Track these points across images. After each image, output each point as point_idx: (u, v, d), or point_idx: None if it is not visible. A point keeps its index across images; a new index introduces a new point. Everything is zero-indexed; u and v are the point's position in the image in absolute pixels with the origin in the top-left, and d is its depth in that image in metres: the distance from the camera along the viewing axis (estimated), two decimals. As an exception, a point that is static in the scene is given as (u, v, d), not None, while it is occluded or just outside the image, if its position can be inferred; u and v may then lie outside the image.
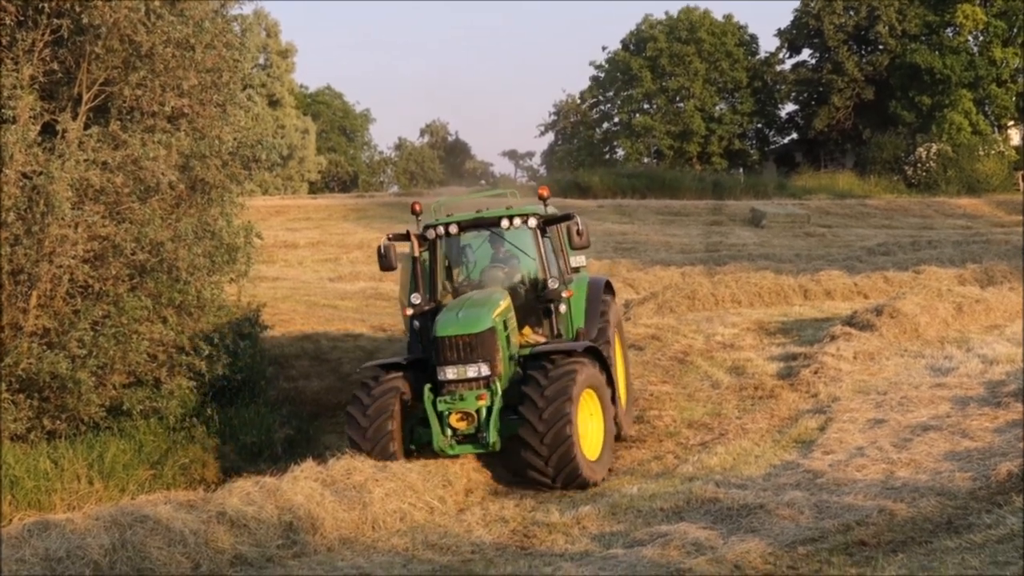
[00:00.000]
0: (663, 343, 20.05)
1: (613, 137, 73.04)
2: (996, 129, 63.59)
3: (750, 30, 72.57)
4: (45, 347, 14.37)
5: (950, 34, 62.57)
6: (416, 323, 14.30)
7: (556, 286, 14.10)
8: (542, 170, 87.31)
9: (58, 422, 14.87)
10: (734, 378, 17.72)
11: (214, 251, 16.29)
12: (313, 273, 33.70)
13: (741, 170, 70.16)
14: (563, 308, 14.24)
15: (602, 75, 73.40)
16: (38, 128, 14.65)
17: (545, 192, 14.77)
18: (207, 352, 16.14)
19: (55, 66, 15.01)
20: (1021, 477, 10.65)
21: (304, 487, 11.66)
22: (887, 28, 63.62)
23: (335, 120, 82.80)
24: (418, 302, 14.17)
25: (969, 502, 10.45)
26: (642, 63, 69.50)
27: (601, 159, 71.26)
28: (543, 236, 14.44)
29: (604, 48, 76.58)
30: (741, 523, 10.60)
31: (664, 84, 69.55)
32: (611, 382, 13.94)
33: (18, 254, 14.13)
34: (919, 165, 59.82)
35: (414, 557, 10.66)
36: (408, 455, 13.22)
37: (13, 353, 14.11)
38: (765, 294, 24.72)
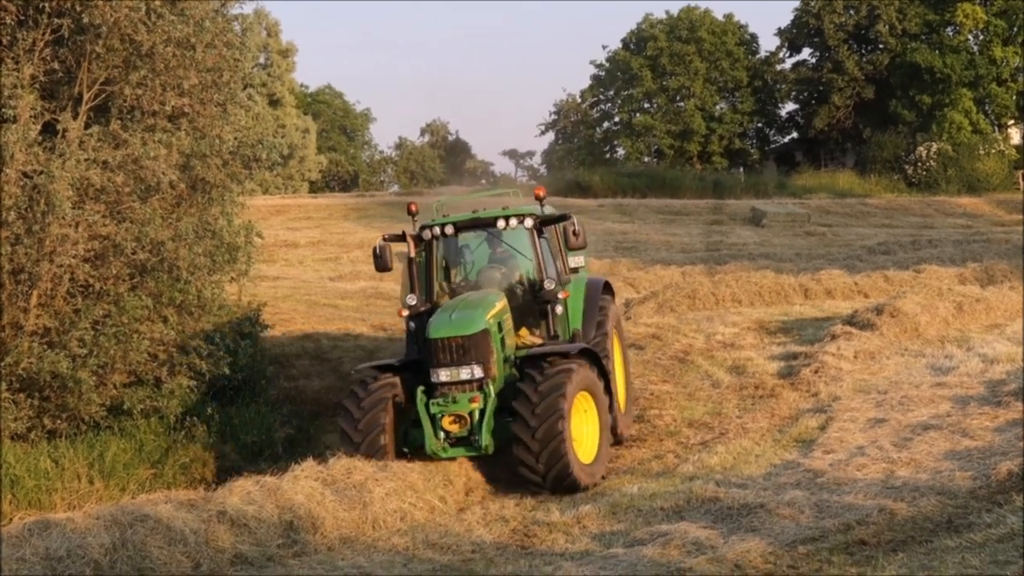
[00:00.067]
0: (663, 342, 20.06)
1: (613, 136, 73.02)
2: (996, 128, 63.58)
3: (750, 29, 72.63)
4: (46, 346, 14.38)
5: (950, 33, 62.54)
6: (412, 324, 14.19)
7: (552, 287, 13.98)
8: (542, 169, 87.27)
9: (59, 421, 14.87)
10: (734, 377, 17.73)
11: (215, 250, 16.29)
12: (313, 272, 33.70)
13: (741, 169, 70.13)
14: (559, 309, 14.11)
15: (603, 74, 73.38)
16: (39, 127, 14.65)
17: (541, 192, 14.68)
18: (207, 351, 16.15)
19: (56, 65, 15.02)
20: (1021, 476, 10.65)
21: (304, 486, 11.66)
22: (887, 27, 63.61)
23: (335, 119, 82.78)
24: (413, 303, 14.10)
25: (969, 501, 10.46)
26: (642, 62, 69.48)
27: (601, 158, 71.21)
28: (540, 236, 14.33)
29: (604, 47, 76.54)
30: (741, 522, 10.60)
31: (664, 83, 69.53)
32: (607, 384, 13.82)
33: (19, 253, 14.13)
34: (919, 164, 59.78)
35: (415, 556, 10.66)
36: (401, 457, 13.08)
37: (14, 352, 14.12)
38: (765, 293, 24.72)
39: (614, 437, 14.34)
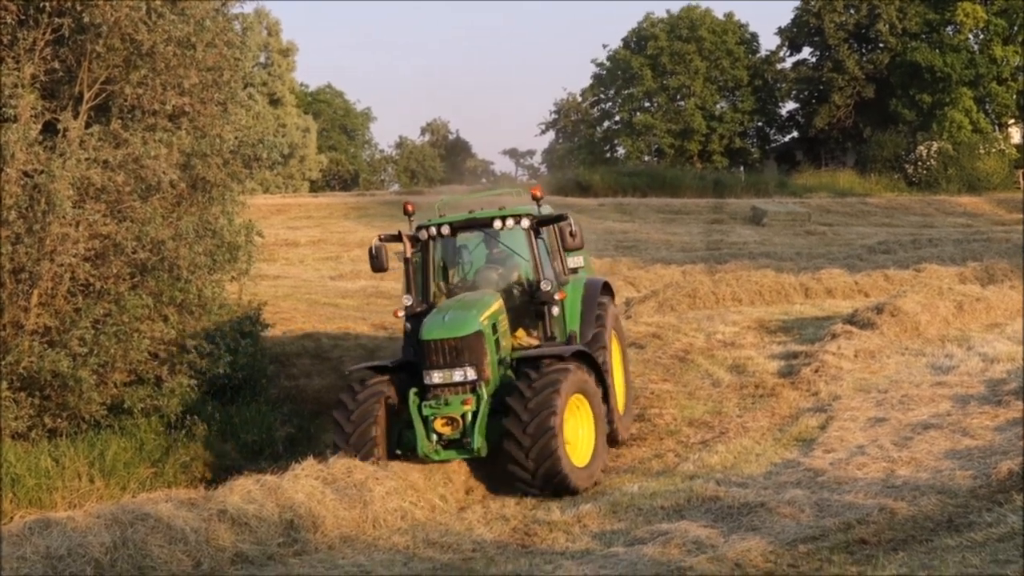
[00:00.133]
0: (664, 341, 20.06)
1: (614, 135, 72.99)
2: (996, 127, 63.57)
3: (751, 28, 72.70)
4: (46, 345, 14.39)
5: (950, 32, 62.52)
6: (408, 325, 14.08)
7: (549, 288, 13.86)
8: (543, 169, 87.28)
9: (59, 420, 14.88)
10: (735, 376, 17.73)
11: (215, 249, 16.30)
12: (314, 271, 33.70)
13: (742, 168, 70.10)
14: (556, 310, 14.00)
15: (603, 73, 73.37)
16: (39, 127, 14.67)
17: (538, 192, 14.57)
18: (208, 350, 16.17)
19: (56, 65, 15.03)
20: (1021, 475, 10.65)
21: (305, 485, 11.66)
22: (887, 26, 63.59)
23: (336, 119, 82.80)
24: (409, 303, 14.05)
25: (970, 500, 10.46)
26: (643, 61, 69.47)
27: (602, 157, 71.18)
28: (537, 237, 14.20)
29: (605, 46, 76.50)
30: (742, 521, 10.61)
31: (665, 82, 69.51)
32: (603, 386, 13.70)
33: (19, 252, 14.14)
34: (920, 163, 59.79)
35: (415, 555, 10.66)
36: (394, 459, 12.95)
37: (14, 351, 14.13)
38: (766, 292, 24.72)
39: (611, 439, 14.24)
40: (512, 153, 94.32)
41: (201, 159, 15.75)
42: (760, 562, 9.19)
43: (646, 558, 9.58)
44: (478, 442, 12.70)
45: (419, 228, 14.36)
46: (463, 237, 14.77)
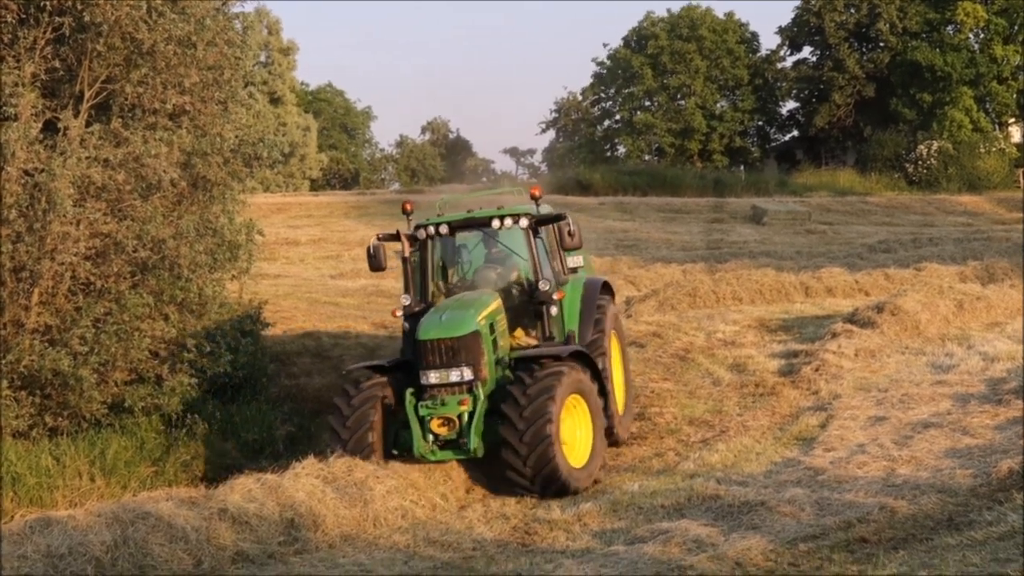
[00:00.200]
0: (664, 340, 20.07)
1: (614, 134, 72.98)
2: (997, 126, 63.58)
3: (751, 28, 72.64)
4: (47, 344, 14.39)
5: (951, 31, 62.55)
6: (407, 324, 14.02)
7: (547, 288, 13.81)
8: (543, 167, 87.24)
9: (60, 419, 14.88)
10: (735, 375, 17.74)
11: (216, 248, 16.29)
12: (314, 270, 33.71)
13: (742, 167, 70.12)
14: (554, 310, 13.94)
15: (604, 72, 73.37)
16: (40, 125, 14.66)
17: (537, 192, 14.47)
18: (208, 349, 16.17)
19: (57, 64, 15.02)
20: (1022, 474, 10.66)
21: (305, 484, 11.67)
22: (888, 25, 63.60)
23: (336, 117, 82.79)
24: (407, 303, 14.00)
25: (970, 499, 10.47)
26: (643, 60, 69.47)
27: (602, 156, 71.18)
28: (535, 236, 14.15)
29: (605, 45, 76.51)
30: (742, 520, 10.61)
31: (665, 81, 69.51)
32: (601, 386, 13.63)
33: (20, 251, 14.14)
34: (920, 162, 59.79)
35: (415, 554, 10.67)
36: (390, 459, 12.88)
37: (15, 350, 14.13)
38: (766, 291, 24.74)
39: (611, 439, 14.21)
40: (513, 152, 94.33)
41: (202, 158, 15.75)
42: (760, 561, 9.19)
43: (646, 557, 9.58)
44: (474, 443, 12.65)
45: (417, 227, 14.31)
46: (462, 236, 14.72)
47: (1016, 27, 61.52)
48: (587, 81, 76.29)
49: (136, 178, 15.01)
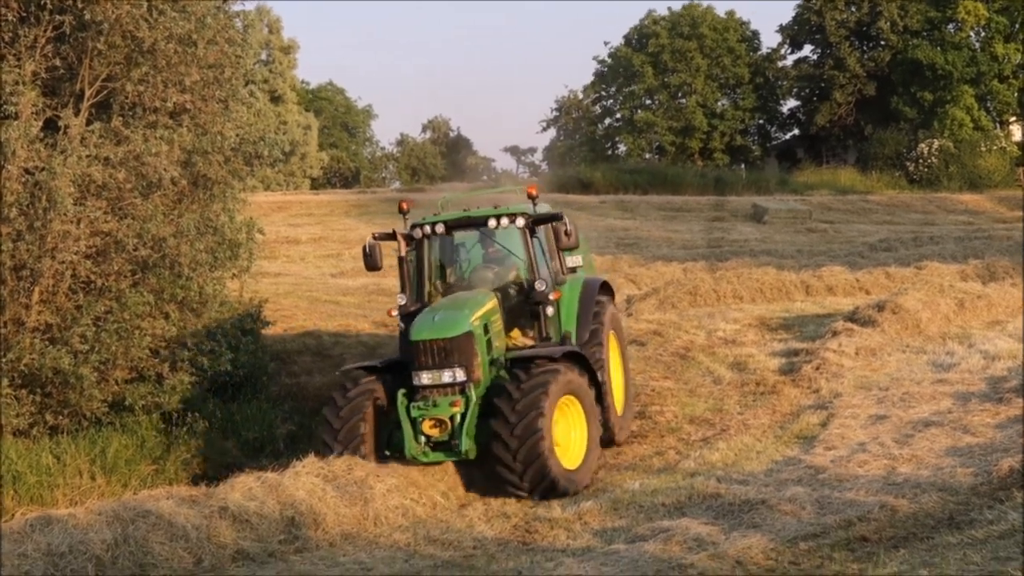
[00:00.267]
0: (665, 339, 20.06)
1: (615, 133, 72.92)
2: (998, 125, 63.48)
3: (752, 26, 72.62)
4: (47, 342, 14.40)
5: (952, 30, 62.45)
6: (403, 324, 13.91)
7: (543, 288, 13.71)
8: (544, 166, 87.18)
9: (60, 417, 14.89)
10: (736, 374, 17.74)
11: (216, 247, 16.30)
12: (315, 269, 33.72)
13: (743, 166, 70.05)
14: (550, 311, 13.83)
15: (605, 70, 73.35)
16: (40, 124, 14.67)
17: (534, 191, 14.34)
18: (209, 348, 16.18)
19: (57, 62, 15.02)
20: (1022, 473, 10.66)
21: (306, 482, 11.67)
22: (889, 24, 63.54)
23: (337, 116, 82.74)
24: (403, 302, 13.94)
25: (970, 498, 10.47)
26: (644, 59, 69.44)
27: (603, 155, 71.12)
28: (532, 236, 14.03)
29: (607, 43, 76.49)
30: (743, 519, 10.61)
31: (666, 80, 69.45)
32: (597, 387, 13.53)
33: (20, 250, 14.15)
34: (921, 161, 59.72)
35: (416, 552, 10.67)
36: (384, 460, 12.80)
37: (16, 348, 14.14)
38: (767, 290, 24.73)
39: (609, 440, 14.14)
40: (513, 150, 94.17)
41: (202, 156, 15.75)
42: (761, 559, 9.19)
43: (647, 555, 9.58)
44: (466, 444, 12.53)
45: (413, 227, 14.23)
46: (461, 236, 14.64)
47: (1017, 25, 61.43)
48: (588, 79, 76.30)
49: (137, 176, 15.01)
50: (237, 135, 16.53)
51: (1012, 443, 12.36)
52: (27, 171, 14.27)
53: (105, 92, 15.48)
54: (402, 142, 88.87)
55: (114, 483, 14.25)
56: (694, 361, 18.62)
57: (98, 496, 13.47)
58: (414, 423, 12.68)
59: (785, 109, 72.98)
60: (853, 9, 65.45)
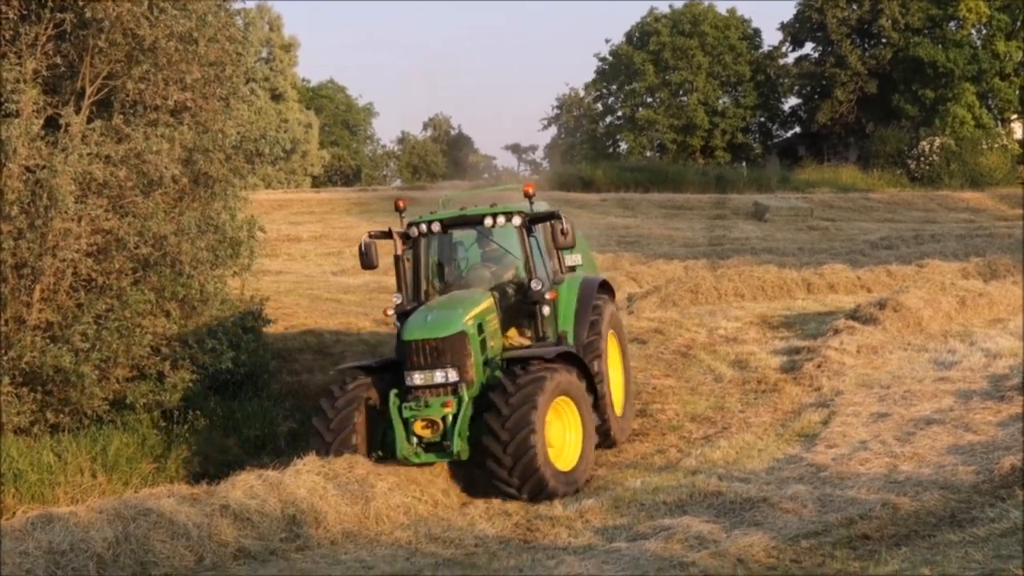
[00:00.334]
0: (666, 337, 20.06)
1: (616, 131, 72.90)
2: (999, 123, 63.45)
3: (753, 24, 72.68)
4: (48, 341, 14.40)
5: (953, 28, 62.42)
6: (398, 324, 13.77)
7: (539, 287, 13.58)
8: (545, 164, 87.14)
9: (61, 415, 14.90)
10: (737, 372, 17.73)
11: (217, 245, 16.30)
12: (316, 267, 33.73)
13: (744, 164, 69.99)
14: (547, 310, 13.69)
15: (606, 68, 73.33)
16: (41, 122, 14.67)
17: (531, 189, 14.13)
18: (210, 346, 16.18)
19: (58, 60, 15.02)
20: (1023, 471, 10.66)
21: (307, 481, 11.66)
22: (890, 22, 63.47)
23: (338, 114, 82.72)
24: (399, 301, 13.85)
25: (972, 496, 10.46)
26: (645, 57, 69.40)
27: (604, 153, 71.10)
28: (529, 235, 13.87)
29: (607, 41, 76.47)
30: (744, 516, 10.61)
31: (667, 78, 69.43)
32: (593, 388, 13.40)
33: (22, 248, 14.15)
34: (922, 159, 59.69)
35: (417, 550, 10.67)
36: (378, 461, 12.66)
37: (17, 347, 14.14)
38: (768, 288, 24.70)
39: (607, 440, 14.06)
40: (514, 148, 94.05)
41: (203, 154, 15.75)
42: (762, 557, 9.19)
43: (648, 553, 9.58)
44: (458, 445, 12.39)
45: (410, 225, 14.13)
46: (459, 234, 14.56)
47: (1018, 23, 61.41)
48: (589, 77, 76.27)
49: (138, 174, 15.02)
50: (238, 133, 16.54)
51: (1013, 441, 12.35)
52: (28, 169, 14.27)
53: (106, 90, 15.48)
54: (403, 140, 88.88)
55: (115, 481, 14.26)
56: (695, 359, 18.61)
57: (99, 494, 13.49)
58: (406, 424, 12.56)
59: (786, 107, 73.01)
60: (854, 7, 65.39)
